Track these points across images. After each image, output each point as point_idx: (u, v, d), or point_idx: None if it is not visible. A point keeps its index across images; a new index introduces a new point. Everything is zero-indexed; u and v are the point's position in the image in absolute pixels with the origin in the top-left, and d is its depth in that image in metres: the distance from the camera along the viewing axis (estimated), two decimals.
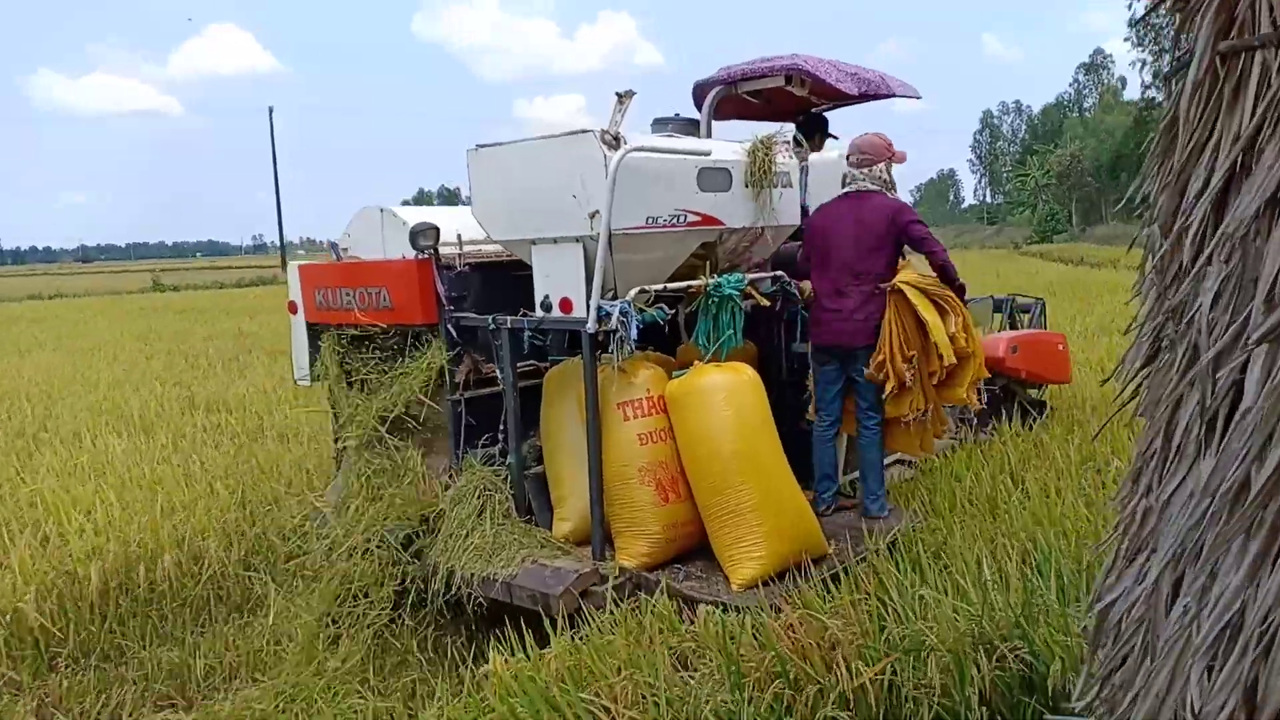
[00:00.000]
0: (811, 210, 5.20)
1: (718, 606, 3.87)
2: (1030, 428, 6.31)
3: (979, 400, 4.78)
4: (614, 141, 4.14)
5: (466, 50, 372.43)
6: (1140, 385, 2.03)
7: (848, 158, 4.83)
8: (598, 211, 4.10)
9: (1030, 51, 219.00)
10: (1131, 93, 47.81)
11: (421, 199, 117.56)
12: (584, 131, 4.15)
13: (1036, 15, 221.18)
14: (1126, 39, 47.68)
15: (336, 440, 5.34)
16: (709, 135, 5.33)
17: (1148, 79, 48.52)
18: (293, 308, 5.38)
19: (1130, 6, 46.33)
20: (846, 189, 4.76)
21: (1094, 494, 4.77)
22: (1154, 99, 47.55)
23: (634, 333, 4.22)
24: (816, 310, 4.82)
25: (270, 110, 50.83)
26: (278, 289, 33.78)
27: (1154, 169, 1.97)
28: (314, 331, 5.33)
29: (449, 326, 4.75)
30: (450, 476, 4.84)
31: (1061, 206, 68.19)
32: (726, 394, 4.24)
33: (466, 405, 4.84)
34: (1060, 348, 6.85)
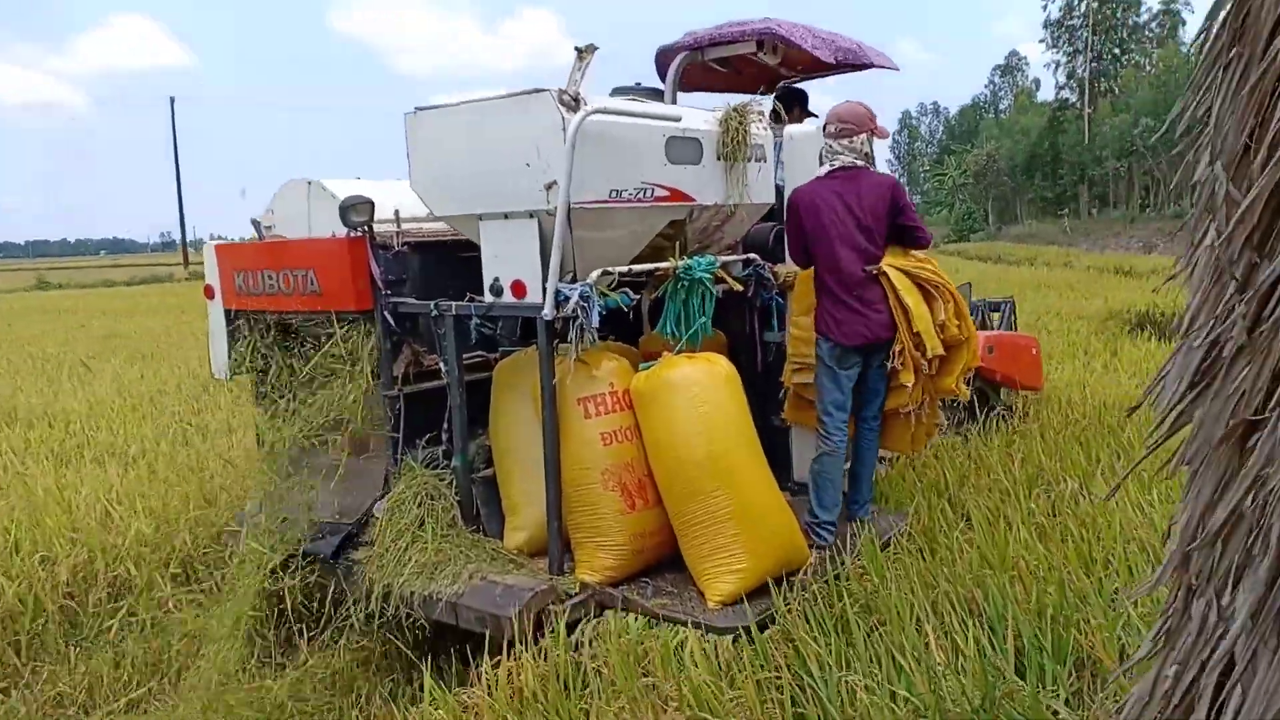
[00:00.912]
0: (787, 189, 4.76)
1: (696, 627, 3.42)
2: (966, 439, 5.88)
3: (967, 391, 4.37)
4: (573, 102, 3.62)
5: (384, 45, 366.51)
6: (1181, 415, 1.44)
7: (825, 127, 4.26)
8: (555, 182, 3.58)
9: (947, 55, 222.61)
10: (1045, 94, 48.71)
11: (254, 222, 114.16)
12: (539, 91, 3.62)
13: (953, 21, 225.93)
14: (1041, 40, 48.32)
15: (259, 442, 4.76)
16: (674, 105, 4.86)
17: (1061, 79, 49.33)
18: (209, 292, 4.76)
19: (1045, 8, 47.22)
20: (834, 165, 4.17)
21: (1046, 522, 4.17)
22: (1067, 99, 48.33)
23: (596, 320, 3.72)
24: (835, 308, 4.11)
25: (171, 101, 47.80)
26: (171, 287, 32.27)
27: (1209, 79, 1.40)
28: (233, 319, 4.75)
29: (385, 313, 4.21)
30: (387, 481, 4.32)
31: (978, 205, 68.34)
32: (700, 388, 3.73)
33: (405, 401, 4.32)
34: (1034, 352, 6.39)
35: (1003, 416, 6.24)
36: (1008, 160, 69.16)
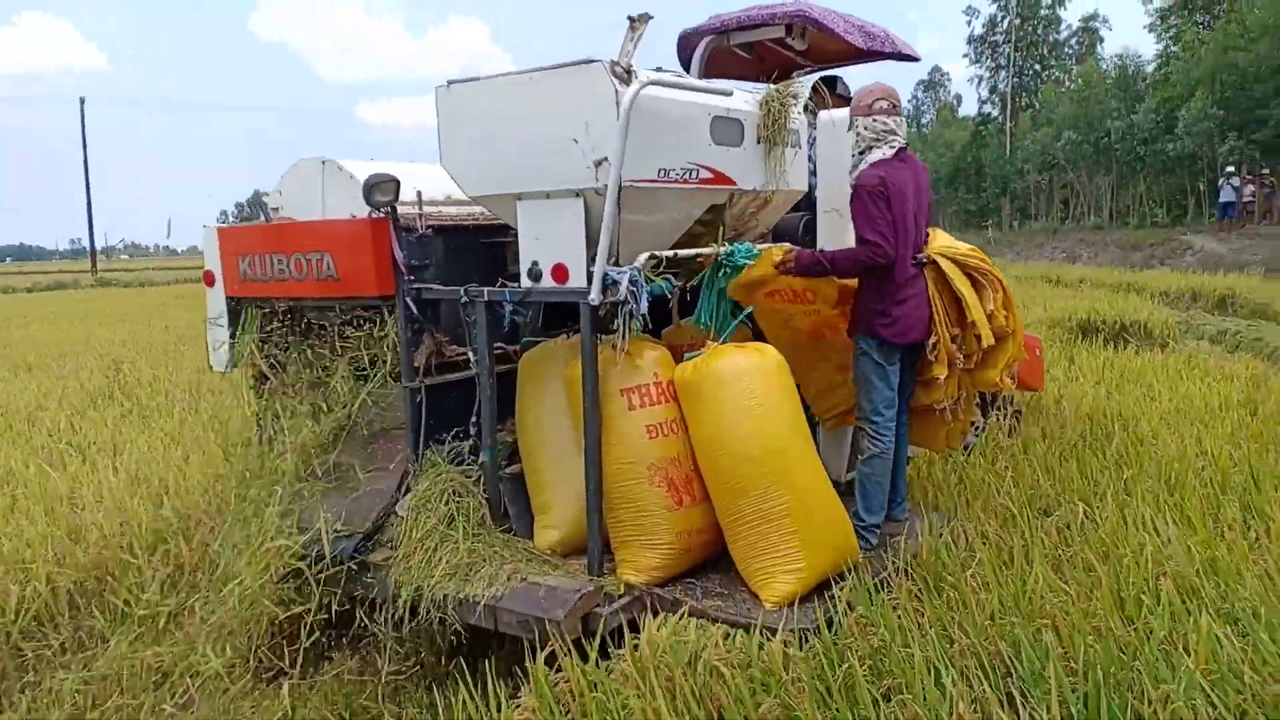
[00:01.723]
0: (820, 177, 4.61)
1: (756, 630, 3.22)
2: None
3: (1012, 384, 4.24)
4: (625, 74, 3.42)
5: (309, 50, 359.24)
6: None
7: (874, 104, 3.93)
8: (605, 159, 3.36)
9: (870, 71, 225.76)
10: (968, 108, 49.83)
11: (257, 200, 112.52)
12: (590, 61, 3.39)
13: None
14: (965, 55, 49.42)
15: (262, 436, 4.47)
16: None
17: (984, 94, 50.39)
18: (209, 279, 4.43)
19: (969, 24, 48.29)
20: (895, 146, 3.87)
21: (1060, 555, 3.70)
22: (989, 114, 49.38)
23: (644, 306, 3.52)
24: (887, 303, 3.84)
25: (81, 102, 43.42)
26: (78, 295, 30.34)
27: None
28: (235, 307, 4.46)
29: (408, 300, 3.96)
30: (407, 478, 4.06)
31: None
32: (751, 379, 3.51)
33: (425, 394, 4.06)
34: (1037, 352, 6.32)
35: (977, 429, 6.13)
36: (932, 173, 70.48)
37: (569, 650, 3.12)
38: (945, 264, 3.90)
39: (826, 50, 4.82)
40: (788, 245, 4.01)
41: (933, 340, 3.95)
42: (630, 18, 3.48)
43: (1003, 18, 48.63)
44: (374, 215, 3.84)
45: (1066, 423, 6.00)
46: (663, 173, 3.57)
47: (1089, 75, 38.91)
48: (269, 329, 4.31)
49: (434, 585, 3.51)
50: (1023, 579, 3.32)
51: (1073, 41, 49.53)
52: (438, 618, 3.49)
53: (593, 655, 3.09)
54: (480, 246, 4.26)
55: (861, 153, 3.96)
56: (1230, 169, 28.04)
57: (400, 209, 3.92)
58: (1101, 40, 48.67)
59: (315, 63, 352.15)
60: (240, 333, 4.35)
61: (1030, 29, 48.70)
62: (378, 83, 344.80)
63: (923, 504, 4.44)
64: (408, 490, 3.96)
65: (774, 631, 3.12)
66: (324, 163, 4.26)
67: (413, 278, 3.91)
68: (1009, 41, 48.16)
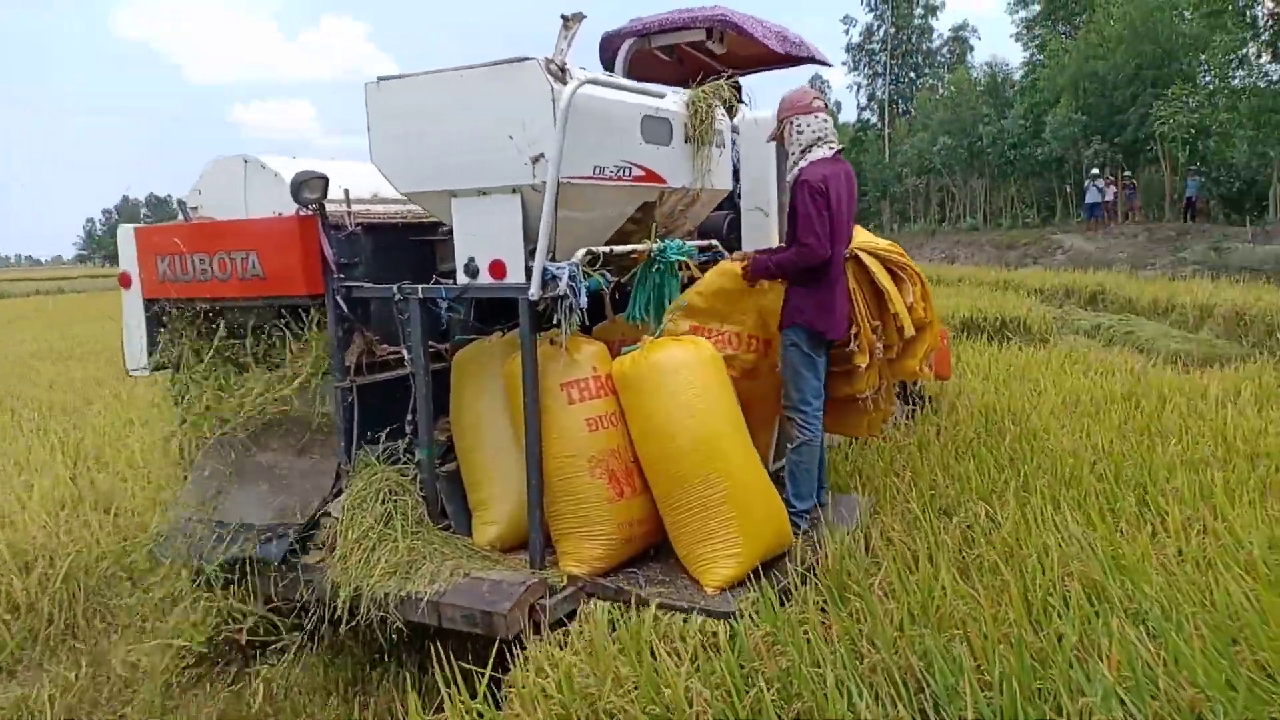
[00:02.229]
0: (743, 176, 4.73)
1: (701, 614, 3.29)
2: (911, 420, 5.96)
3: (929, 372, 4.44)
4: (560, 73, 3.47)
5: (174, 50, 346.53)
6: None
7: (809, 104, 4.06)
8: (542, 156, 3.40)
9: (750, 78, 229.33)
10: (847, 115, 51.49)
11: (126, 208, 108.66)
12: (524, 59, 3.42)
13: None
14: (844, 63, 50.90)
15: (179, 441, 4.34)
16: None
17: (863, 101, 52.03)
18: (125, 280, 4.28)
19: (847, 33, 49.84)
20: (834, 147, 3.99)
21: (965, 558, 3.57)
22: (868, 120, 51.08)
23: (584, 300, 3.57)
24: (821, 297, 3.96)
25: None
26: None
27: None
28: (153, 309, 4.31)
29: (338, 298, 3.91)
30: (338, 478, 4.00)
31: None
32: (688, 371, 3.58)
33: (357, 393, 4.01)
34: (945, 342, 6.65)
35: (915, 407, 6.41)
36: None
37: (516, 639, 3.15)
38: (867, 258, 4.06)
39: (744, 55, 4.94)
40: (744, 253, 4.18)
41: (854, 330, 4.11)
42: (564, 16, 3.53)
43: (879, 26, 49.78)
44: (301, 213, 3.78)
45: (960, 420, 6.00)
46: (598, 170, 3.62)
47: (960, 83, 40.32)
48: (191, 330, 4.19)
49: (374, 584, 3.48)
50: (929, 586, 3.19)
51: (945, 50, 50.96)
52: (378, 616, 3.45)
53: (546, 644, 3.10)
54: (410, 244, 4.23)
55: (803, 150, 4.03)
56: (1095, 171, 29.06)
57: (328, 206, 3.87)
58: (971, 49, 50.31)
59: (182, 64, 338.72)
60: (161, 335, 4.22)
61: (905, 38, 50.00)
62: (250, 85, 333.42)
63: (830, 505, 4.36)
64: (339, 491, 3.91)
65: (718, 615, 3.20)
66: (245, 160, 4.16)
67: (342, 276, 3.86)
68: (885, 50, 49.33)
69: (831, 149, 3.99)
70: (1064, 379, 7.42)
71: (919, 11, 49.71)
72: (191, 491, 4.11)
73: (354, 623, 3.49)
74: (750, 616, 3.15)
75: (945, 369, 6.58)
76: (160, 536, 4.02)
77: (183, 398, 4.19)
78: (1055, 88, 31.75)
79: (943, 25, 50.36)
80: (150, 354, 4.27)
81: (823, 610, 3.24)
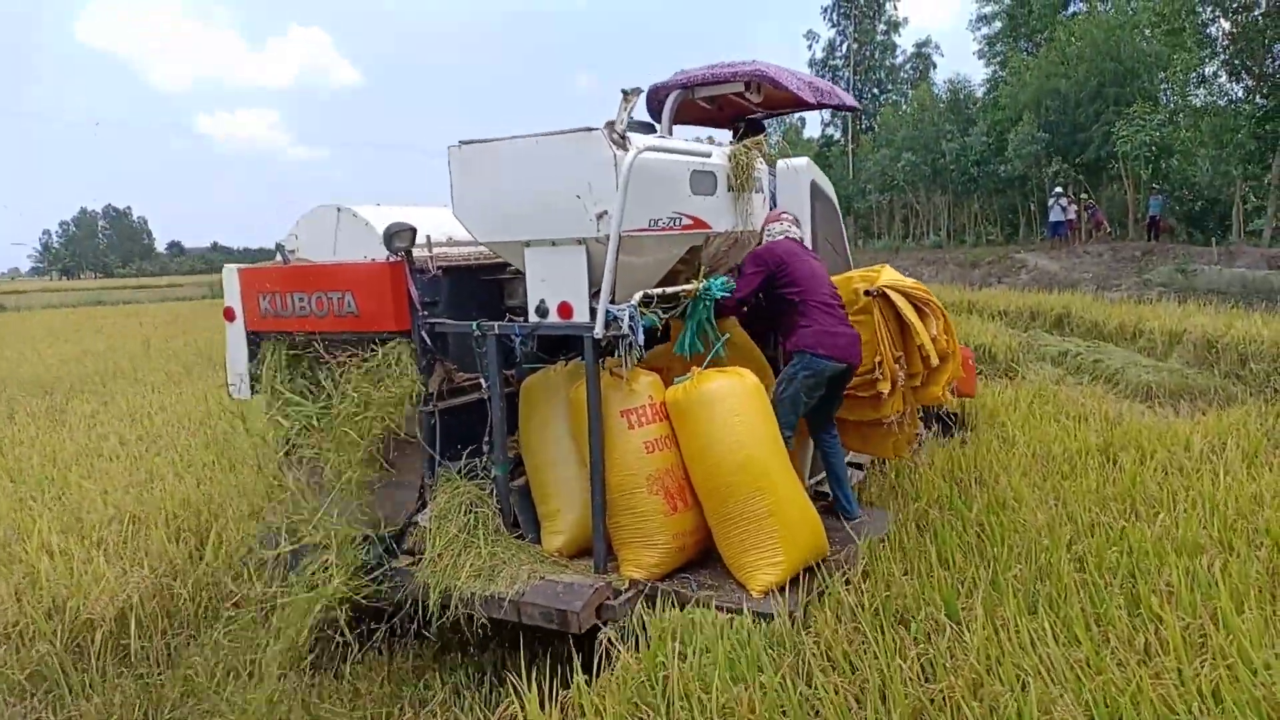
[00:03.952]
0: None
1: (748, 615, 3.77)
2: (955, 439, 6.22)
3: (954, 399, 4.91)
4: (621, 140, 3.96)
5: (139, 58, 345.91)
6: None
7: (780, 219, 4.85)
8: (605, 212, 3.91)
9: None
10: (812, 130, 51.42)
11: (84, 219, 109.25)
12: (591, 129, 3.92)
13: (720, 59, 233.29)
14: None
15: (286, 453, 4.88)
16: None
17: (827, 117, 51.74)
18: (229, 314, 4.82)
19: (810, 48, 49.64)
20: (790, 235, 4.72)
21: (923, 697, 3.08)
22: (832, 136, 50.90)
23: (641, 338, 4.06)
24: (825, 328, 4.49)
25: None
26: None
27: None
28: (253, 340, 4.86)
29: (422, 333, 4.43)
30: (422, 493, 4.52)
31: None
32: (734, 399, 4.06)
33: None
34: (970, 362, 7.04)
35: (949, 428, 6.82)
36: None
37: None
38: (894, 295, 4.52)
39: (778, 99, 5.42)
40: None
41: (877, 359, 4.59)
42: (624, 91, 4.01)
43: (841, 42, 49.34)
44: (391, 259, 4.30)
45: (922, 480, 5.45)
46: (652, 222, 4.10)
47: (923, 99, 39.71)
48: (287, 360, 4.72)
49: (461, 585, 3.99)
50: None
51: (907, 66, 50.47)
52: (464, 613, 3.97)
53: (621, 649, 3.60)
54: (480, 283, 4.74)
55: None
56: (1059, 189, 28.91)
57: (414, 251, 4.38)
58: (934, 66, 49.93)
59: (145, 71, 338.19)
60: (260, 363, 4.75)
61: (867, 54, 49.48)
62: (216, 94, 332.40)
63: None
64: (424, 503, 4.43)
65: (766, 616, 3.68)
66: (339, 210, 4.68)
67: (426, 313, 4.38)
68: (848, 65, 48.75)
69: (785, 236, 4.71)
70: (1034, 425, 6.94)
71: (881, 27, 49.45)
72: (289, 503, 4.63)
73: (443, 619, 4.00)
74: None
75: (970, 388, 7.00)
76: (263, 542, 4.56)
77: (278, 419, 4.73)
78: (1017, 105, 31.59)
79: (905, 42, 49.79)
80: (251, 379, 4.80)
81: None
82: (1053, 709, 2.85)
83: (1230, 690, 2.82)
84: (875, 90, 50.39)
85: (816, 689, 3.13)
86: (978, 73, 62.22)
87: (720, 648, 3.29)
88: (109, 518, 5.56)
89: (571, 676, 3.39)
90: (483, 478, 4.40)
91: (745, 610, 3.71)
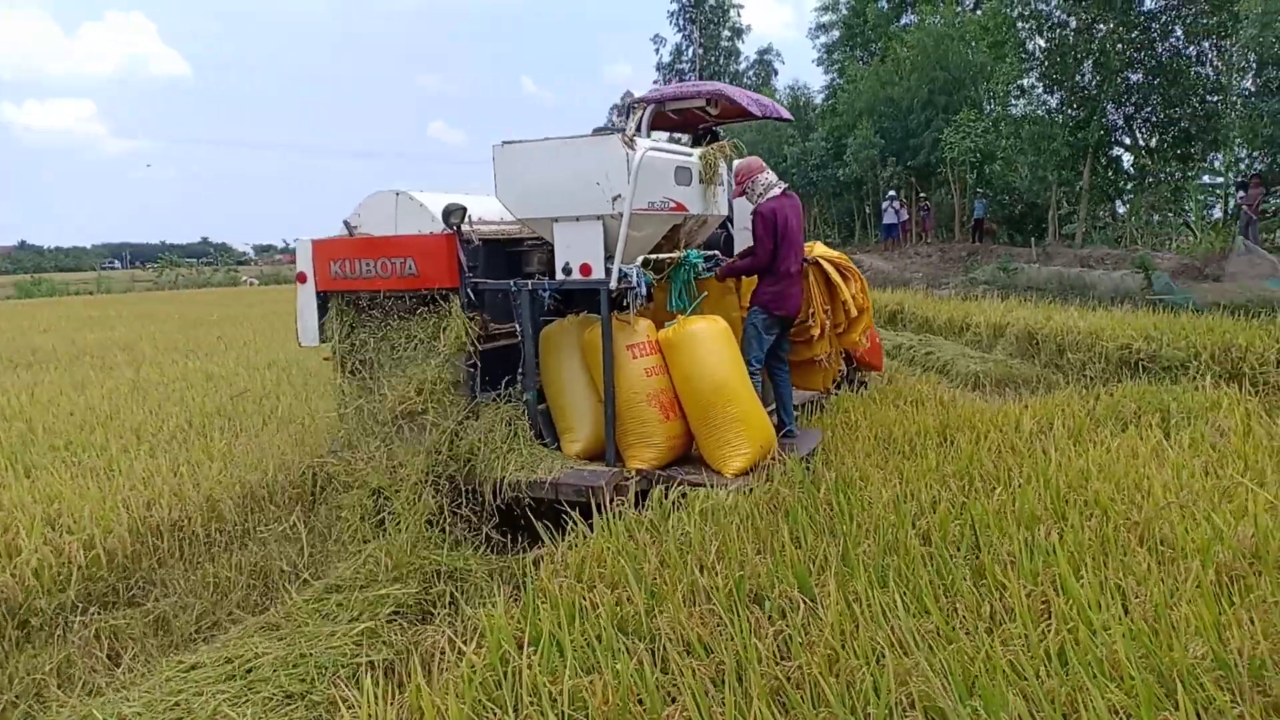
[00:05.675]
0: (735, 206, 6.67)
1: (726, 489, 5.18)
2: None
3: (866, 343, 6.45)
4: (630, 143, 5.35)
5: None
6: None
7: (757, 168, 6.12)
8: (619, 196, 5.26)
9: (568, 94, 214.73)
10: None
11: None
12: (610, 134, 5.31)
13: (568, 62, 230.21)
14: (655, 82, 50.99)
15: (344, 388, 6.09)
16: None
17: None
18: (302, 277, 6.03)
19: (657, 52, 51.15)
20: (782, 189, 6.04)
21: (781, 675, 3.00)
22: (679, 138, 52.46)
23: (644, 290, 5.46)
24: (787, 286, 5.85)
25: None
26: None
27: None
28: (322, 299, 6.08)
29: (468, 290, 5.72)
30: (467, 417, 5.81)
31: None
32: (712, 338, 5.49)
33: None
34: (878, 340, 8.64)
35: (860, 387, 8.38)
36: None
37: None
38: (825, 263, 6.03)
39: (731, 111, 6.89)
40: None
41: (810, 310, 6.09)
42: (632, 103, 5.41)
43: (687, 46, 50.35)
44: (445, 231, 5.59)
45: (773, 465, 5.40)
46: (650, 204, 5.50)
47: None
48: (351, 314, 5.96)
49: (510, 474, 5.31)
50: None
51: (750, 72, 51.70)
52: (513, 495, 5.29)
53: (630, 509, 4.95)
54: (506, 253, 6.07)
55: (760, 195, 6.04)
56: (892, 193, 30.38)
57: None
58: (776, 72, 51.65)
59: None
60: (328, 317, 5.98)
61: (712, 59, 50.49)
62: (28, 83, 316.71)
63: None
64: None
65: (737, 490, 5.11)
66: (398, 194, 5.95)
67: (470, 274, 5.69)
68: (694, 69, 49.52)
69: (780, 189, 5.97)
70: (874, 410, 7.08)
71: (726, 34, 50.52)
72: (358, 426, 5.87)
73: (496, 500, 5.31)
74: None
75: (878, 361, 8.55)
76: (338, 458, 5.79)
77: (344, 364, 5.96)
78: (854, 111, 32.52)
79: (749, 48, 49.93)
80: (320, 332, 6.02)
81: None
82: (909, 679, 2.88)
83: (1074, 652, 2.91)
84: None
85: (672, 675, 3.06)
86: (817, 79, 63.10)
87: (566, 638, 3.27)
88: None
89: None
90: (516, 403, 5.71)
91: (720, 487, 5.13)
